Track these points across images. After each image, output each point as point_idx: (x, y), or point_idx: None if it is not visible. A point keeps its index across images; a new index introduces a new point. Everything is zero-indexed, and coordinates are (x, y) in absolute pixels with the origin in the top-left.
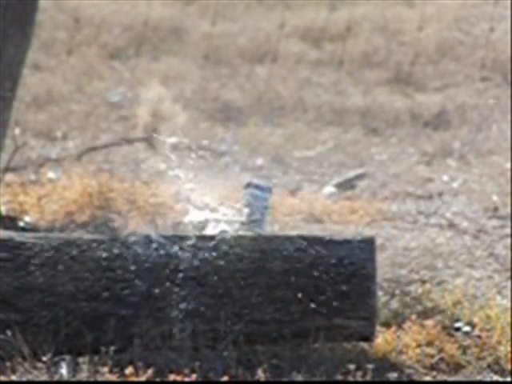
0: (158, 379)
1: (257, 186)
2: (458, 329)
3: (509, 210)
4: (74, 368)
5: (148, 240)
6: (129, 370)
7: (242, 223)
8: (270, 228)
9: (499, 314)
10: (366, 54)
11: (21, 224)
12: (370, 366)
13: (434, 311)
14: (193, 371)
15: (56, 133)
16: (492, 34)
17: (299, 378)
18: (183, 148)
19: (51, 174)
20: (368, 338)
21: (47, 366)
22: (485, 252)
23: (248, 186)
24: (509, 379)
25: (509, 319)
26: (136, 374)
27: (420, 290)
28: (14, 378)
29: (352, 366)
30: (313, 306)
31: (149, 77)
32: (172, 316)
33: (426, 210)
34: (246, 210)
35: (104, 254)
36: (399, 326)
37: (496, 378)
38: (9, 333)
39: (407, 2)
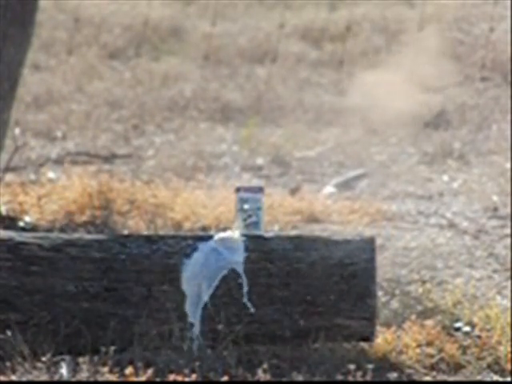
0: (158, 379)
1: (247, 189)
2: (457, 329)
3: (509, 210)
4: (74, 368)
5: (148, 240)
6: (129, 370)
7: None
8: (270, 228)
9: (499, 314)
10: (366, 53)
11: (21, 224)
12: (370, 366)
13: (434, 311)
14: (193, 371)
15: (56, 133)
16: (492, 33)
17: (299, 378)
18: None
19: (51, 174)
20: (368, 337)
21: (47, 366)
22: (485, 252)
23: (238, 190)
24: (509, 379)
25: (509, 319)
26: (136, 374)
27: (420, 290)
28: (13, 378)
29: (352, 366)
30: (313, 306)
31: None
32: (172, 316)
33: (426, 210)
34: (241, 215)
35: (104, 254)
36: (399, 326)
37: (496, 378)
38: (9, 333)
39: (407, 2)
